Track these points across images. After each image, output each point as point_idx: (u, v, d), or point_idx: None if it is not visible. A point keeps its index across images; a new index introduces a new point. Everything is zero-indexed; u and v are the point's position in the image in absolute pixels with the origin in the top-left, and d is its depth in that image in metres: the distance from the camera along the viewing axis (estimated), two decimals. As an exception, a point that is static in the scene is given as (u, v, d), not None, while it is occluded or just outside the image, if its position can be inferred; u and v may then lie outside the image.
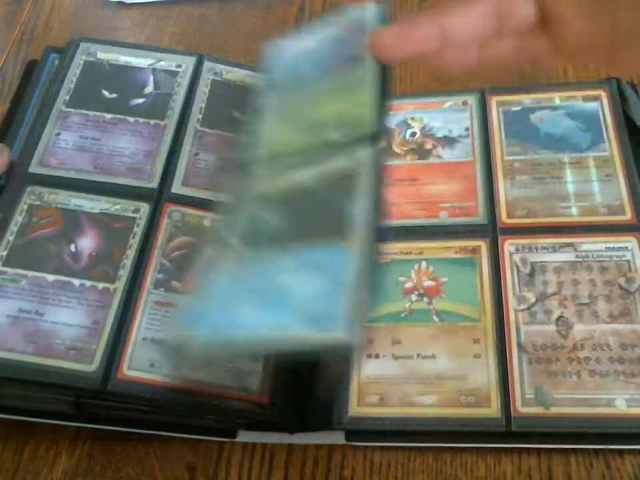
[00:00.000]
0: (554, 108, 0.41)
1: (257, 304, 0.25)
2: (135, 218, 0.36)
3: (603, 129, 0.39)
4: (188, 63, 0.42)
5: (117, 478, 0.32)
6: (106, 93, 0.41)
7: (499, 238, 0.36)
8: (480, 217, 0.37)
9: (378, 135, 0.28)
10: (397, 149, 0.41)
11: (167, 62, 0.42)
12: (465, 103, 0.42)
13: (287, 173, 0.29)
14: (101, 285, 0.34)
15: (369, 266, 0.24)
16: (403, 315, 0.35)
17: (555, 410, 0.31)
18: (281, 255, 0.26)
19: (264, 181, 0.29)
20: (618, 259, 0.35)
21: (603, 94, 0.41)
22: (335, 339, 0.23)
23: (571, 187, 0.38)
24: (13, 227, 0.36)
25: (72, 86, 0.40)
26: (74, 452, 0.33)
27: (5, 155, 0.37)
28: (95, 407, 0.32)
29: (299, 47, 0.34)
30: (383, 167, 0.27)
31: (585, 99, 0.41)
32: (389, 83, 0.29)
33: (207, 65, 0.42)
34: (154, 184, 0.37)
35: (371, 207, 0.25)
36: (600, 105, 0.40)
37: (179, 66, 0.42)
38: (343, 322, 0.23)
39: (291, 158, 0.29)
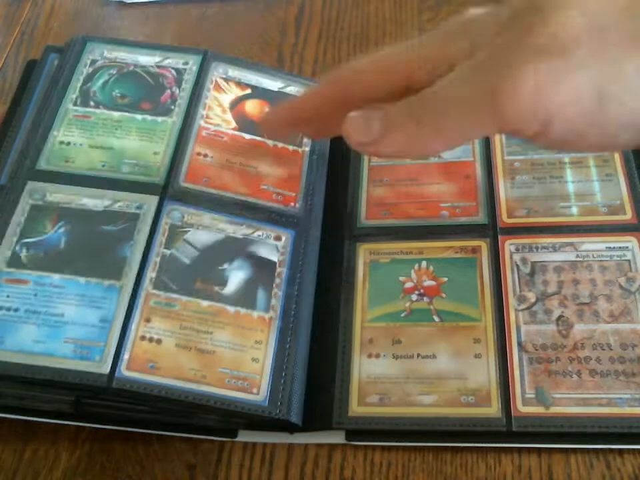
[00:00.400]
0: None
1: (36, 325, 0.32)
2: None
3: None
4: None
5: (117, 478, 0.32)
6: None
7: (499, 238, 0.36)
8: (480, 217, 0.37)
9: (165, 190, 0.36)
10: (397, 149, 0.41)
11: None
12: None
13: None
14: None
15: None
16: (403, 314, 0.35)
17: (555, 409, 0.31)
18: (65, 282, 0.33)
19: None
20: (618, 258, 0.35)
21: None
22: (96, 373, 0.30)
23: (571, 187, 0.38)
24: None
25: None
26: (74, 452, 0.33)
27: None
28: (94, 406, 0.32)
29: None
30: (165, 221, 0.35)
31: None
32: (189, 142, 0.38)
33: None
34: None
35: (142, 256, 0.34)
36: None
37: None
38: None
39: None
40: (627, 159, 0.38)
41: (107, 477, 0.32)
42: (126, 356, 0.31)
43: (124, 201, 0.36)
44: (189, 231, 0.35)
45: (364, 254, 0.37)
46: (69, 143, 0.38)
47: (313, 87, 0.39)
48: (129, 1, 0.52)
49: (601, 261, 0.35)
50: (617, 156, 0.38)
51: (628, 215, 0.36)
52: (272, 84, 0.42)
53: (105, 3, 0.52)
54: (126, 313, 0.32)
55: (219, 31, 0.50)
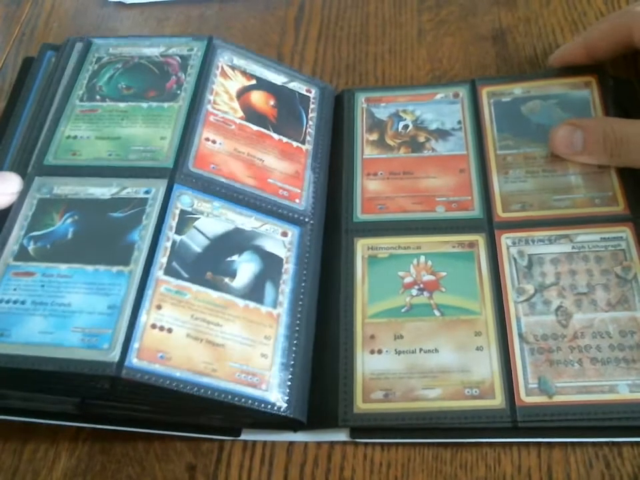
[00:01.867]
0: (545, 97, 0.37)
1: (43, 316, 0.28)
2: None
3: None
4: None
5: (117, 478, 0.29)
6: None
7: (496, 232, 0.33)
8: (476, 212, 0.34)
9: (174, 174, 0.32)
10: (389, 142, 0.37)
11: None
12: (456, 95, 0.38)
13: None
14: None
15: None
16: (403, 309, 0.31)
17: (558, 398, 0.28)
18: (73, 271, 0.29)
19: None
20: (613, 248, 0.32)
21: (593, 80, 0.36)
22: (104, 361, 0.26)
23: (563, 180, 0.34)
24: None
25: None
26: (74, 452, 0.29)
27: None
28: (99, 407, 0.28)
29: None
30: (174, 204, 0.31)
31: (576, 86, 0.37)
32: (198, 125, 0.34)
33: None
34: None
35: (152, 241, 0.30)
36: (590, 92, 0.36)
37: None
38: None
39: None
40: None
41: (107, 477, 0.29)
42: (136, 344, 0.27)
43: (132, 187, 0.31)
44: (199, 217, 0.31)
45: (362, 249, 0.33)
46: (75, 137, 0.34)
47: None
48: (128, 2, 0.48)
49: (596, 251, 0.32)
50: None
51: (620, 206, 0.33)
52: (276, 77, 0.38)
53: (105, 4, 0.48)
54: (135, 299, 0.28)
55: (218, 32, 0.46)
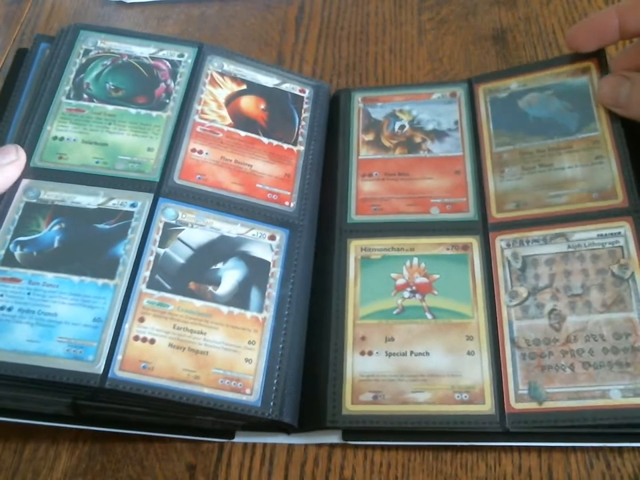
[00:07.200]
0: (542, 89, 0.34)
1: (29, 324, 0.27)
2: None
3: (593, 105, 0.32)
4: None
5: (117, 478, 0.28)
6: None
7: (490, 234, 0.31)
8: (470, 213, 0.32)
9: (160, 188, 0.31)
10: (385, 142, 0.35)
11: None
12: (453, 95, 0.36)
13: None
14: None
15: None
16: (395, 312, 0.30)
17: (549, 405, 0.26)
18: (59, 281, 0.28)
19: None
20: (611, 245, 0.29)
21: (592, 66, 0.33)
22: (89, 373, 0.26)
23: (560, 174, 0.32)
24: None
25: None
26: (74, 452, 0.29)
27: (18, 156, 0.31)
28: (92, 408, 0.28)
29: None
30: (159, 219, 0.30)
31: (574, 74, 0.34)
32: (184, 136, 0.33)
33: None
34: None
35: (136, 255, 0.29)
36: (589, 78, 0.33)
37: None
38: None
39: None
40: (619, 140, 0.31)
41: (107, 477, 0.28)
42: (119, 356, 0.27)
43: (118, 199, 0.31)
44: (183, 229, 0.30)
45: (355, 250, 0.32)
46: (62, 138, 0.32)
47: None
48: (128, 1, 0.46)
49: (592, 249, 0.29)
50: (607, 135, 0.32)
51: (619, 199, 0.30)
52: (267, 80, 0.36)
53: (105, 3, 0.46)
54: (119, 313, 0.28)
55: (218, 31, 0.44)
